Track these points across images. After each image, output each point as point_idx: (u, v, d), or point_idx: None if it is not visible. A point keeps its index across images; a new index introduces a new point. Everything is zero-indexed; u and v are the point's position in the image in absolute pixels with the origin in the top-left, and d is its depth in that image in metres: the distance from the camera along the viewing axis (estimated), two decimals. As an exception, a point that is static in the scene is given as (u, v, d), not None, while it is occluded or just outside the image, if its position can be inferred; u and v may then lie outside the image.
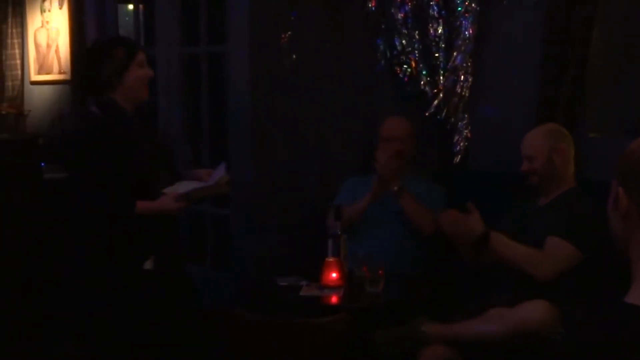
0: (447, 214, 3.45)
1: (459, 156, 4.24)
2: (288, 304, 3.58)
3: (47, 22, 6.55)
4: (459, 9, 4.13)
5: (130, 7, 5.04)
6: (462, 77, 4.19)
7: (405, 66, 4.43)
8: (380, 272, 3.54)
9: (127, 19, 5.45)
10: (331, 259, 3.62)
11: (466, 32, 4.14)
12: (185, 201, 3.38)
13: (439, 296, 3.67)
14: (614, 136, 3.87)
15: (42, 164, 5.58)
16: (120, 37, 3.49)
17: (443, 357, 3.28)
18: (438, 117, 4.27)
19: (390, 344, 3.34)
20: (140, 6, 4.89)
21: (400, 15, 4.39)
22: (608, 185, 3.64)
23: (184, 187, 3.42)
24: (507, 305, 3.29)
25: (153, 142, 3.46)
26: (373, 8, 4.42)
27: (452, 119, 4.27)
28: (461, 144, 4.23)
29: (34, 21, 6.72)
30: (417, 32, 4.37)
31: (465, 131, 4.23)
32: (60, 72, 6.42)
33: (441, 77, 4.29)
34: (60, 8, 6.35)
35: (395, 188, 3.94)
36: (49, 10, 6.53)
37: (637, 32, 3.87)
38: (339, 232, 3.66)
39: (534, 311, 3.16)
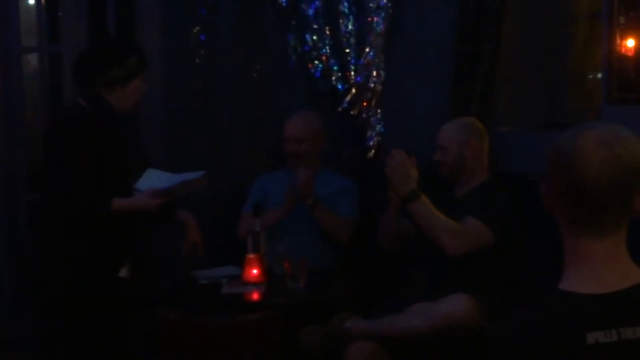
0: (397, 151, 3.44)
1: (373, 151, 4.28)
2: (210, 302, 3.54)
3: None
4: (371, 4, 4.17)
5: (31, 0, 4.86)
6: (374, 72, 4.24)
7: (316, 62, 4.45)
8: (302, 267, 3.54)
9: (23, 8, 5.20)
10: (252, 256, 3.60)
11: (377, 28, 4.19)
12: (163, 197, 3.26)
13: (360, 291, 3.70)
14: (524, 130, 3.99)
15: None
16: (136, 44, 3.49)
17: (369, 353, 3.31)
18: (352, 112, 4.30)
19: (316, 342, 3.35)
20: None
21: (310, 11, 4.40)
22: (518, 177, 3.75)
23: (157, 181, 3.31)
24: (427, 298, 3.34)
25: (135, 146, 3.44)
26: (284, 3, 4.41)
27: (365, 114, 4.31)
28: (375, 139, 4.28)
29: None
30: (327, 27, 4.39)
31: (378, 126, 4.28)
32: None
33: (352, 73, 4.33)
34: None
35: (310, 202, 3.93)
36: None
37: (545, 27, 4.00)
38: (258, 229, 3.64)
39: (456, 305, 3.22)
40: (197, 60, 4.42)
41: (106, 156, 3.22)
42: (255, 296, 3.53)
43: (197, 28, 4.41)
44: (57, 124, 3.37)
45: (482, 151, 3.60)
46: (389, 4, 4.13)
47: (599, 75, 3.85)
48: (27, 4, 4.87)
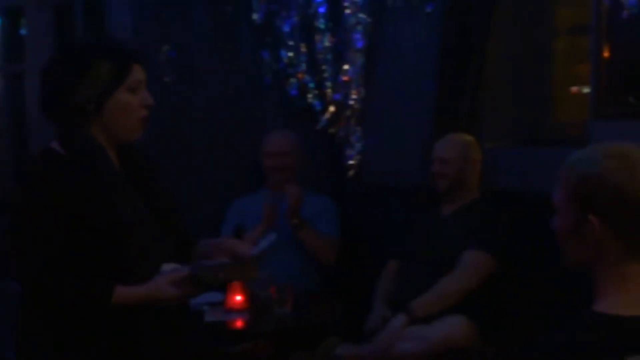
0: None
1: (353, 170, 4.18)
2: (193, 331, 3.38)
3: None
4: (350, 20, 4.08)
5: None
6: (354, 89, 4.14)
7: (292, 79, 4.34)
8: (288, 291, 3.41)
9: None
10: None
11: (356, 44, 4.10)
12: (191, 286, 2.20)
13: (347, 314, 3.58)
14: (509, 146, 3.91)
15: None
16: (112, 42, 2.35)
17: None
18: (330, 130, 4.20)
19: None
20: (2, 18, 4.56)
21: (286, 28, 4.30)
22: (506, 194, 3.67)
23: (196, 265, 2.26)
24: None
25: (148, 196, 2.31)
26: (259, 20, 4.29)
27: (343, 133, 4.21)
28: (355, 158, 4.18)
29: None
30: (304, 44, 4.29)
31: (358, 144, 4.18)
32: None
33: (330, 90, 4.23)
34: None
35: (295, 221, 3.83)
36: None
37: (529, 42, 3.94)
38: (240, 253, 3.50)
39: (453, 327, 3.16)
40: (166, 79, 4.27)
41: (94, 219, 2.16)
42: (239, 324, 3.38)
43: (167, 46, 4.27)
44: (20, 183, 2.31)
45: (479, 169, 3.59)
46: (369, 20, 4.03)
47: (584, 90, 3.80)
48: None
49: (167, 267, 2.23)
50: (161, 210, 2.33)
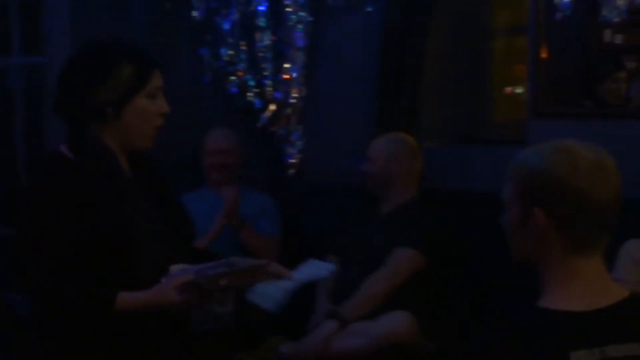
0: None
1: (294, 169, 4.19)
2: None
3: None
4: (290, 18, 4.09)
5: None
6: (294, 88, 4.15)
7: (232, 78, 4.32)
8: (230, 290, 3.39)
9: None
10: (175, 280, 3.43)
11: (297, 43, 4.11)
12: (197, 293, 2.10)
13: (289, 312, 3.58)
14: (448, 145, 3.96)
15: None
16: (134, 45, 2.27)
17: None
18: (271, 129, 4.20)
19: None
20: None
21: (226, 25, 4.28)
22: (446, 193, 3.72)
23: (203, 270, 2.14)
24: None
25: (160, 204, 2.23)
26: (198, 17, 4.27)
27: (284, 131, 4.22)
28: (296, 157, 4.19)
29: None
30: (244, 42, 4.29)
31: (299, 142, 4.19)
32: None
33: (270, 89, 4.24)
34: None
35: (235, 222, 3.81)
36: None
37: (468, 42, 4.00)
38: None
39: (396, 322, 3.18)
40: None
41: (107, 228, 2.10)
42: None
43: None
44: (27, 187, 2.29)
45: (411, 167, 3.56)
46: (309, 18, 4.05)
47: (520, 90, 3.87)
48: None
49: (175, 267, 2.14)
50: (173, 218, 2.26)
